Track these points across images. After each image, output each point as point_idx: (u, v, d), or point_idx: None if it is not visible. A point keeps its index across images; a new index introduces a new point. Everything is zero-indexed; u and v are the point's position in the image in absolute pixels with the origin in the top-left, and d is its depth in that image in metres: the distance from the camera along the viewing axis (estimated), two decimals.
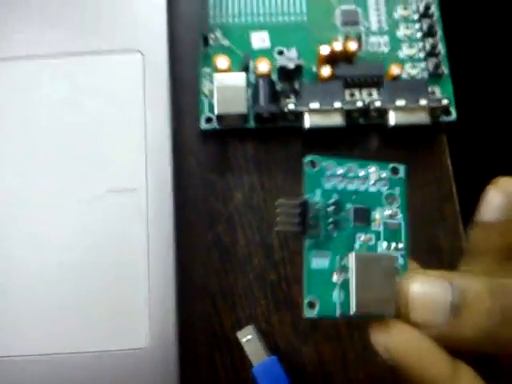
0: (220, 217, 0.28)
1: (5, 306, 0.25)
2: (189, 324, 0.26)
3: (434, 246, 0.28)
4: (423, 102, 0.27)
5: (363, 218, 0.19)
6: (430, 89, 0.29)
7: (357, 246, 0.19)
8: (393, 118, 0.27)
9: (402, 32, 0.30)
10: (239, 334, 0.25)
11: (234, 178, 0.29)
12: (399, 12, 0.31)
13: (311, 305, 0.18)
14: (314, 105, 0.27)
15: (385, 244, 0.19)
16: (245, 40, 0.30)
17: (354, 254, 0.18)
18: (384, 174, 0.20)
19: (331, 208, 0.19)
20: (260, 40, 0.30)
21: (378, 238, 0.19)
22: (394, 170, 0.20)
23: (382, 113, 0.28)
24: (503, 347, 0.18)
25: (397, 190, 0.20)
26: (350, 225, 0.19)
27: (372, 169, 0.20)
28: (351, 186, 0.19)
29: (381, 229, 0.19)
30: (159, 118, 0.27)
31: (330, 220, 0.19)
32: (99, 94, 0.27)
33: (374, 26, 0.31)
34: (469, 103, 0.31)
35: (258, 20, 0.31)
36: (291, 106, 0.27)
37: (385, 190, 0.20)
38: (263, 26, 0.31)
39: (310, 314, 0.18)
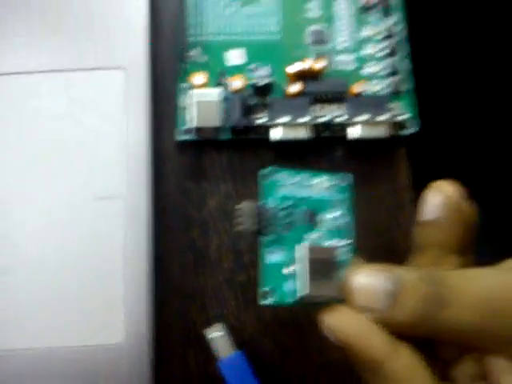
0: (195, 222, 0.30)
1: None
2: (163, 322, 0.28)
3: (391, 249, 0.30)
4: (383, 117, 0.29)
5: (312, 219, 0.22)
6: (391, 105, 0.31)
7: (307, 243, 0.22)
8: (355, 132, 0.30)
9: (367, 50, 0.33)
10: (207, 331, 0.27)
11: (208, 185, 0.31)
12: (365, 32, 0.33)
13: (266, 294, 0.21)
14: (283, 119, 0.29)
15: (331, 241, 0.22)
16: (222, 57, 0.32)
17: (308, 245, 0.21)
18: (333, 183, 0.22)
19: (285, 211, 0.22)
20: (236, 57, 0.32)
21: (325, 237, 0.22)
22: (342, 179, 0.22)
23: (346, 127, 0.30)
24: (437, 333, 0.20)
25: (344, 196, 0.22)
26: (301, 225, 0.22)
27: (322, 178, 0.22)
28: (302, 193, 0.22)
29: (328, 229, 0.22)
30: (139, 130, 0.30)
31: (284, 221, 0.22)
32: (83, 108, 0.30)
33: (342, 45, 0.33)
34: (433, 116, 0.33)
35: (235, 38, 0.33)
36: (262, 120, 0.30)
37: (334, 195, 0.22)
38: (240, 44, 0.33)
39: (265, 302, 0.21)
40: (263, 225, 0.21)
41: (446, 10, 0.44)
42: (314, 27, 0.33)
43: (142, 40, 0.31)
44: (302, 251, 0.21)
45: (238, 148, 0.31)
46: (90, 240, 0.28)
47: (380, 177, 0.31)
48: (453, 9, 0.44)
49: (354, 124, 0.30)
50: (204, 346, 0.28)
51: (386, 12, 0.33)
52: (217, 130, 0.30)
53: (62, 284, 0.27)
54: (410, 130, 0.31)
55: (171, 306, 0.29)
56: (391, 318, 0.20)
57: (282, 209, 0.22)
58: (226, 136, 0.31)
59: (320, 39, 0.33)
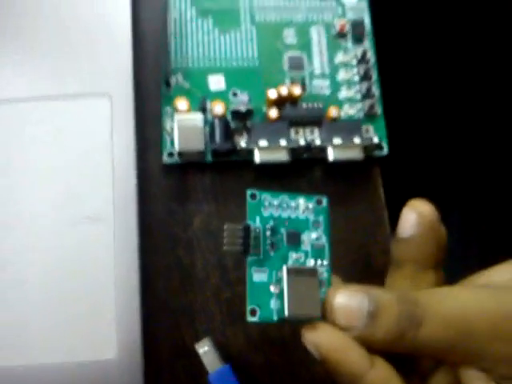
0: (180, 241, 0.32)
1: None
2: (153, 337, 0.30)
3: (369, 265, 0.32)
4: (357, 140, 0.31)
5: (294, 239, 0.24)
6: (364, 127, 0.33)
7: (290, 262, 0.23)
8: (331, 154, 0.31)
9: (341, 76, 0.35)
10: (197, 346, 0.29)
11: (192, 205, 0.32)
12: (339, 58, 0.35)
13: (253, 312, 0.22)
14: (263, 143, 0.31)
15: (312, 261, 0.24)
16: (203, 82, 0.34)
17: (285, 266, 0.23)
18: (310, 205, 0.24)
19: (268, 232, 0.23)
20: (217, 83, 0.34)
21: (306, 256, 0.24)
22: (319, 201, 0.24)
23: (322, 149, 0.32)
24: (413, 349, 0.22)
25: (321, 217, 0.24)
26: (284, 245, 0.23)
27: (301, 200, 0.24)
28: (284, 214, 0.24)
29: (309, 249, 0.24)
30: (126, 154, 0.31)
31: (268, 242, 0.23)
32: (70, 133, 0.31)
33: (317, 71, 0.35)
34: (402, 138, 0.35)
35: (215, 64, 0.34)
36: (243, 144, 0.31)
37: (311, 217, 0.24)
38: (220, 69, 0.34)
39: (252, 319, 0.22)
40: (248, 245, 0.23)
41: (413, 36, 0.47)
42: (290, 53, 0.35)
43: (126, 66, 0.33)
44: (283, 272, 0.23)
45: (221, 170, 0.33)
46: (81, 259, 0.29)
47: (357, 196, 0.33)
48: (420, 35, 0.47)
49: (329, 147, 0.31)
50: (191, 359, 0.29)
51: (359, 39, 0.35)
52: (200, 153, 0.32)
53: (53, 301, 0.29)
54: (383, 151, 0.33)
55: (159, 322, 0.30)
56: (370, 336, 0.22)
57: (266, 229, 0.23)
58: (208, 159, 0.32)
59: (297, 65, 0.35)
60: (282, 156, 0.31)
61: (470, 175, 0.47)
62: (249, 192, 0.24)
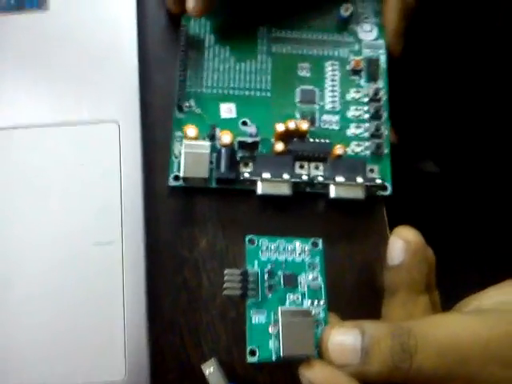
0: (186, 262, 0.33)
1: None
2: (160, 357, 0.31)
3: (376, 296, 0.32)
4: (360, 179, 0.33)
5: (291, 282, 0.26)
6: (369, 167, 0.34)
7: (287, 304, 0.25)
8: (333, 192, 0.33)
9: (351, 113, 0.36)
10: (203, 367, 0.30)
11: (198, 227, 0.34)
12: (351, 94, 0.37)
13: (252, 352, 0.24)
14: (266, 175, 0.33)
15: (309, 301, 0.25)
16: (215, 109, 0.36)
17: (280, 308, 0.24)
18: (306, 247, 0.26)
19: (266, 275, 0.25)
20: (227, 111, 0.36)
21: (303, 297, 0.25)
22: (314, 244, 0.26)
23: (325, 186, 0.33)
24: (409, 379, 0.23)
25: (317, 259, 0.26)
26: (281, 287, 0.25)
27: (297, 243, 0.26)
28: (281, 257, 0.26)
29: (305, 290, 0.25)
30: (133, 178, 0.33)
31: (266, 284, 0.25)
32: (81, 159, 0.33)
33: (328, 106, 0.36)
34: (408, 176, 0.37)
35: (228, 92, 0.36)
36: (246, 175, 0.33)
37: (307, 259, 0.26)
38: (232, 98, 0.36)
39: (252, 360, 0.25)
40: (247, 289, 0.25)
41: (427, 76, 0.48)
42: (303, 87, 0.37)
43: (133, 93, 0.34)
44: (278, 314, 0.24)
45: (225, 194, 0.34)
46: (90, 282, 0.31)
47: (363, 232, 0.34)
48: (435, 77, 0.48)
49: (331, 184, 0.33)
50: (197, 378, 0.31)
51: (373, 76, 0.37)
52: (204, 180, 0.33)
53: (64, 323, 0.30)
54: (386, 191, 0.34)
55: (167, 342, 0.32)
56: (365, 371, 0.23)
57: (264, 273, 0.25)
58: (213, 185, 0.34)
59: (308, 98, 0.36)
60: (284, 189, 0.33)
61: (471, 206, 0.49)
62: (247, 237, 0.26)
